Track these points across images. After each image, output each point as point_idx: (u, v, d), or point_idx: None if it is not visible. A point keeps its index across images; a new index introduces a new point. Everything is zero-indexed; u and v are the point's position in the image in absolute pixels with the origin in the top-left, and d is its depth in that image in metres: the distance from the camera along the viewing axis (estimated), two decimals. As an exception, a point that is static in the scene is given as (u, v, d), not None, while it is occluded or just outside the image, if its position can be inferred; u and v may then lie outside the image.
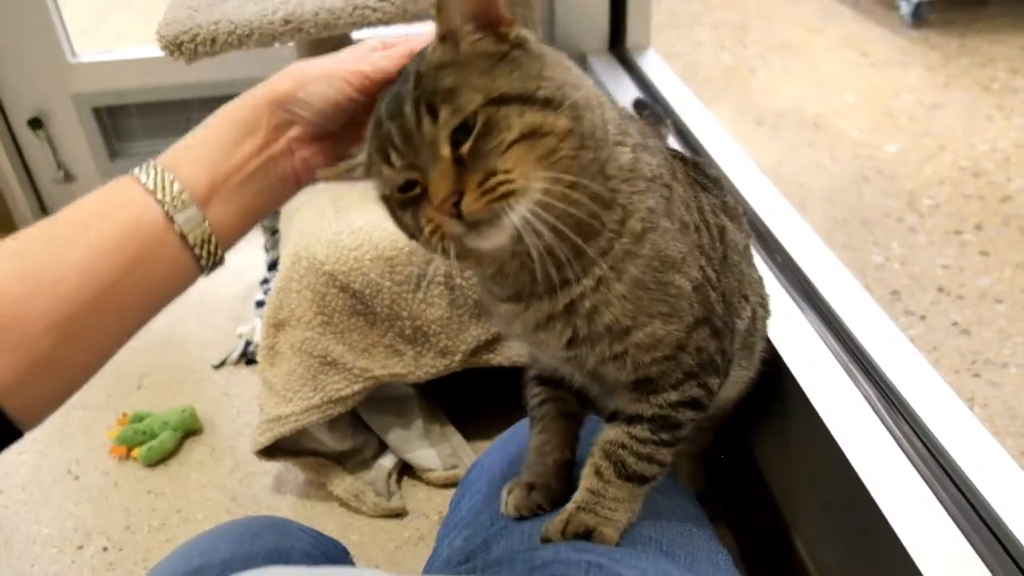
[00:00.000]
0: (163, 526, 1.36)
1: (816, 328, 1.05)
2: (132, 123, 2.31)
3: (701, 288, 0.67)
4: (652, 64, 1.93)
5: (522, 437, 0.89)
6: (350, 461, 1.37)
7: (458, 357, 1.28)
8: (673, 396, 0.69)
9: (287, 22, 1.20)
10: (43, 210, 2.38)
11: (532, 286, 0.64)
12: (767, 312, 0.93)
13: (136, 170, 0.60)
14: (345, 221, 1.26)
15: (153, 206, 0.59)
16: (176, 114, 2.27)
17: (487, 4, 0.58)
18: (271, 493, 1.41)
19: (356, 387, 1.25)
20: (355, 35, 1.69)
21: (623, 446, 0.70)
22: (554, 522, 0.70)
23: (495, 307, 0.70)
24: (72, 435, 1.56)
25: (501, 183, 0.55)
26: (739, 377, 0.90)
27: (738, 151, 1.50)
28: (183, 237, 0.59)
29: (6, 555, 1.33)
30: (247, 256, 1.91)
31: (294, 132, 0.65)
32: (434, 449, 1.37)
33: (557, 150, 0.57)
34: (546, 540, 0.70)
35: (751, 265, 0.88)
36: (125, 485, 1.45)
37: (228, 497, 1.41)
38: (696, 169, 0.84)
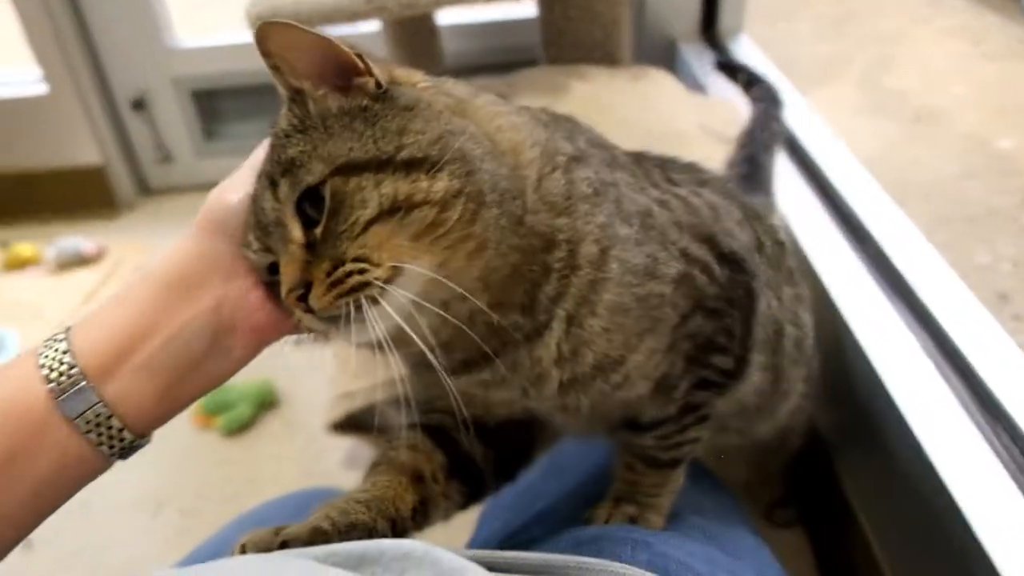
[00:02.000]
0: (235, 496, 1.40)
1: (911, 328, 0.98)
2: (227, 106, 2.38)
3: (685, 279, 0.59)
4: (745, 50, 1.87)
5: None
6: (419, 443, 1.37)
7: (530, 343, 1.26)
8: (684, 384, 0.63)
9: (370, 1, 1.20)
10: (144, 190, 2.48)
11: (496, 345, 0.54)
12: (803, 333, 0.82)
13: (49, 337, 0.50)
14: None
15: (36, 385, 0.48)
16: (267, 97, 2.32)
17: (331, 54, 0.49)
18: (342, 469, 1.42)
19: (426, 368, 1.24)
20: (439, 15, 1.70)
21: (649, 447, 0.67)
22: (597, 512, 0.68)
23: (452, 379, 0.55)
24: (157, 403, 1.61)
25: (350, 273, 0.46)
26: (764, 405, 0.80)
27: (833, 140, 1.43)
28: (70, 421, 0.48)
29: (86, 516, 1.39)
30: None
31: (239, 279, 0.52)
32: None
33: (440, 222, 0.46)
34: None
35: (775, 273, 0.77)
36: (202, 454, 1.49)
37: (300, 470, 1.43)
38: (638, 157, 0.71)
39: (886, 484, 0.96)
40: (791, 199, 1.25)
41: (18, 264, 2.13)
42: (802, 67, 2.70)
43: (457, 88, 0.55)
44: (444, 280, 0.47)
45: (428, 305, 0.47)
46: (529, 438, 0.67)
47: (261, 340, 0.55)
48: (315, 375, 1.62)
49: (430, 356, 0.48)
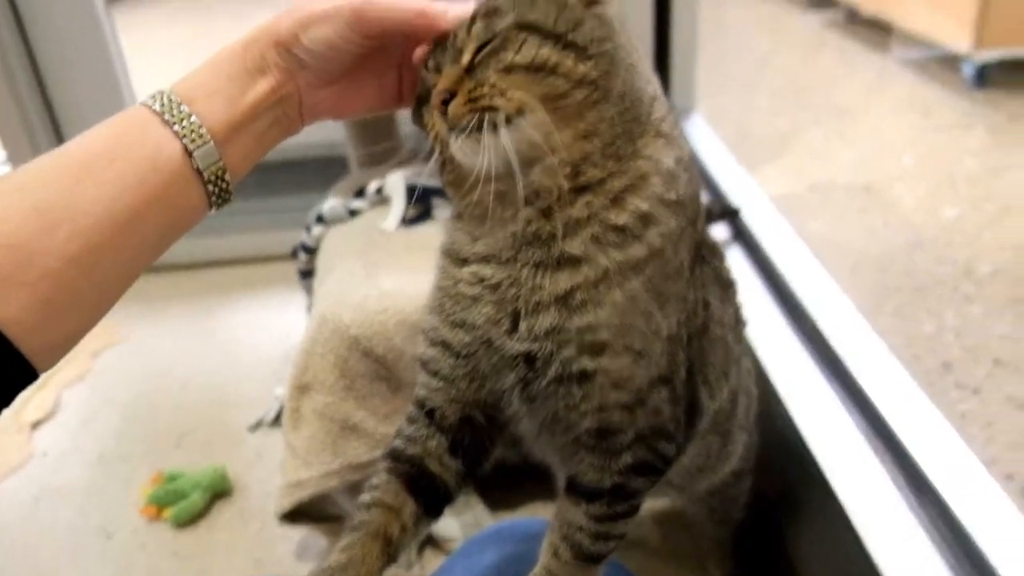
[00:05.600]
0: (187, 589, 1.37)
1: (848, 410, 0.99)
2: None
3: (672, 341, 0.64)
4: (696, 129, 1.92)
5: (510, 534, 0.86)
6: (373, 528, 1.36)
7: (481, 424, 1.26)
8: (628, 458, 0.66)
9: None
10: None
11: (517, 243, 0.61)
12: (752, 403, 0.89)
13: (150, 100, 0.58)
14: (373, 285, 1.28)
15: (171, 140, 0.56)
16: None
17: None
18: (294, 558, 1.40)
19: (376, 454, 1.24)
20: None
21: (581, 528, 0.67)
22: None
23: (456, 271, 0.65)
24: (108, 489, 1.58)
25: (484, 95, 0.57)
26: (705, 466, 0.86)
27: (778, 219, 1.47)
28: (199, 173, 0.57)
29: (37, 611, 1.36)
30: (290, 317, 1.95)
31: (303, 78, 0.62)
32: (456, 519, 1.34)
33: (567, 94, 0.57)
34: None
35: (740, 347, 0.83)
36: (153, 547, 1.46)
37: (252, 560, 1.40)
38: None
39: (828, 560, 0.96)
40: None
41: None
42: (759, 140, 2.79)
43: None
44: (549, 136, 0.57)
45: (527, 151, 0.58)
46: (490, 440, 0.72)
47: (318, 116, 0.66)
48: (270, 462, 1.61)
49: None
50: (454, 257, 0.66)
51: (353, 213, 1.54)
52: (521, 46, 0.57)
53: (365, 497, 0.67)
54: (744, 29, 4.12)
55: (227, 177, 0.59)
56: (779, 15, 4.14)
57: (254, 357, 1.93)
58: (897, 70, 3.25)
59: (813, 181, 2.46)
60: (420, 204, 1.47)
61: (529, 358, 0.63)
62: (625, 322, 0.61)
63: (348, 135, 1.80)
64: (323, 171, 2.32)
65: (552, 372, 0.62)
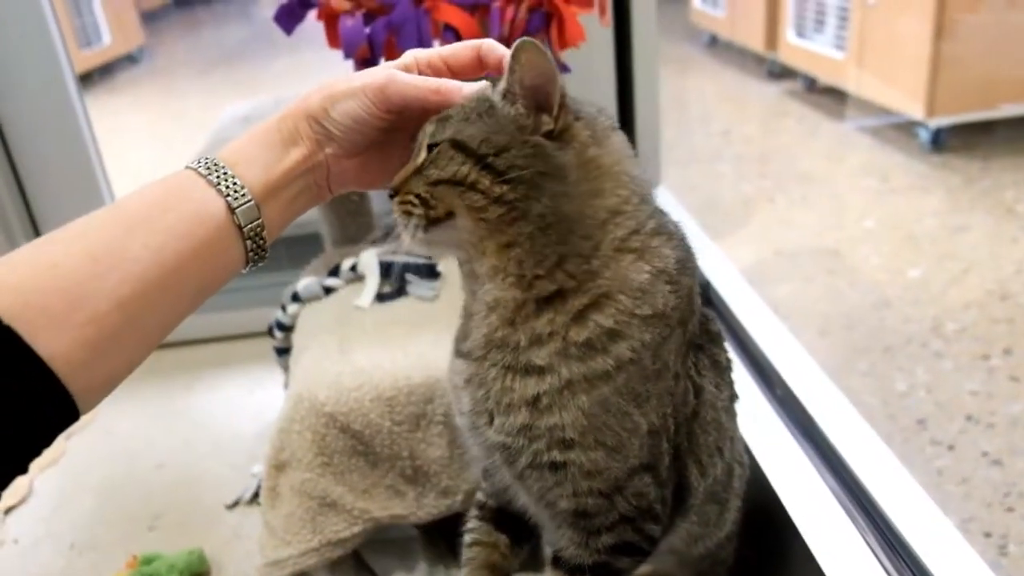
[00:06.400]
0: None
1: (820, 472, 1.01)
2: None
3: (655, 435, 0.66)
4: (662, 201, 1.96)
5: None
6: (353, 608, 1.33)
7: (460, 497, 1.25)
8: (609, 539, 0.68)
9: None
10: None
11: (488, 345, 0.66)
12: (744, 471, 0.91)
13: (195, 164, 0.62)
14: (348, 361, 1.28)
15: (216, 198, 0.60)
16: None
17: (551, 87, 0.63)
18: (272, 643, 1.36)
19: (355, 529, 1.23)
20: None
21: None
22: None
23: (452, 362, 0.74)
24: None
25: (405, 202, 0.66)
26: (704, 534, 0.87)
27: (744, 286, 1.50)
28: (240, 229, 0.61)
29: None
30: (267, 395, 1.94)
31: (330, 149, 0.66)
32: (439, 596, 1.32)
33: (485, 208, 0.63)
34: None
35: (733, 423, 0.84)
36: (127, 635, 1.42)
37: (229, 647, 1.37)
38: (702, 324, 0.78)
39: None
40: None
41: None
42: (726, 208, 2.86)
43: (608, 144, 0.68)
44: (479, 241, 0.65)
45: (451, 250, 0.67)
46: None
47: (345, 186, 0.70)
48: (248, 541, 1.58)
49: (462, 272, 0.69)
50: (454, 347, 0.73)
51: (328, 291, 1.56)
52: (448, 163, 0.64)
53: (466, 539, 0.82)
54: (707, 101, 4.26)
55: (264, 235, 0.62)
56: (740, 86, 4.29)
57: (229, 435, 1.90)
58: (856, 136, 3.36)
59: (779, 246, 2.51)
60: (394, 281, 1.49)
61: (505, 446, 0.68)
62: (594, 423, 0.64)
63: (322, 213, 1.82)
64: (297, 249, 2.34)
65: (524, 461, 0.67)
